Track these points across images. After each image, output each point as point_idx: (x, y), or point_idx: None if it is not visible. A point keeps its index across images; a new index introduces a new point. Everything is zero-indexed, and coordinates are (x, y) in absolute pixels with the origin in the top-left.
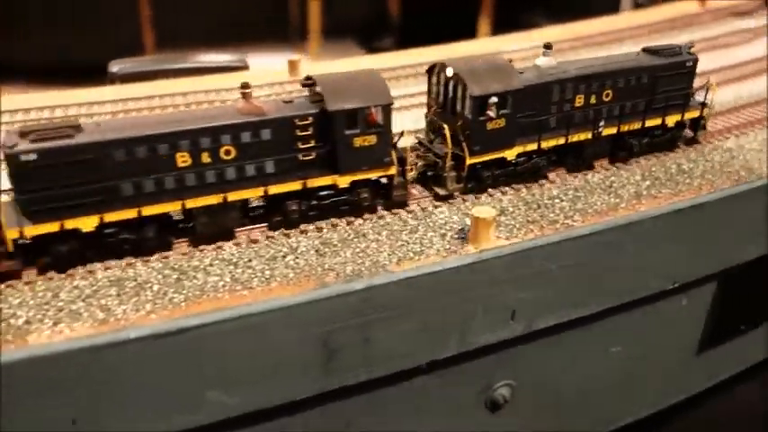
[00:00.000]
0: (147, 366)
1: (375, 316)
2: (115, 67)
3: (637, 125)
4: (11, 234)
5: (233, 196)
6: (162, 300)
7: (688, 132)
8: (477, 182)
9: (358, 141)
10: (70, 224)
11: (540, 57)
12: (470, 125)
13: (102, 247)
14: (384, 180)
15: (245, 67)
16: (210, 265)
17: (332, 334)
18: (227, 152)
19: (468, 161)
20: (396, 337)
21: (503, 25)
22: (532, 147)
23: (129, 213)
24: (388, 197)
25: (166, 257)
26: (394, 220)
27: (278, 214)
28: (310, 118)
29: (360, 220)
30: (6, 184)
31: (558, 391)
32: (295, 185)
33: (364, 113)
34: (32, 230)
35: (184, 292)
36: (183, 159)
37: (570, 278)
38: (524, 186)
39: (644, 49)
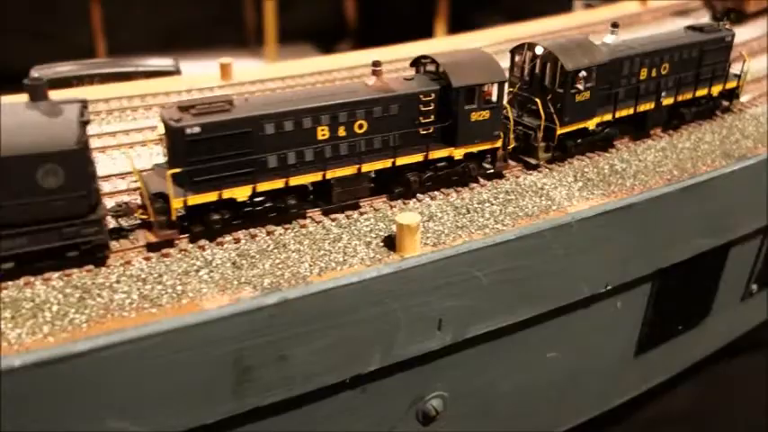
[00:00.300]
0: (35, 396)
1: (291, 331)
2: (36, 72)
3: (689, 95)
4: (176, 203)
5: (366, 167)
6: (62, 321)
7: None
8: (561, 151)
9: (474, 116)
10: (227, 194)
11: (608, 35)
12: (561, 98)
13: (250, 215)
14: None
15: (176, 72)
16: (117, 281)
17: (244, 352)
18: (360, 126)
19: (559, 131)
20: (315, 353)
21: (458, 26)
22: (608, 117)
23: (278, 184)
24: (492, 168)
25: (69, 275)
26: (317, 229)
27: (399, 185)
28: (433, 94)
29: (280, 230)
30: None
31: (493, 399)
32: (418, 157)
33: (482, 90)
34: (195, 200)
35: (87, 311)
36: (322, 133)
37: (498, 285)
38: (454, 191)
39: (687, 27)
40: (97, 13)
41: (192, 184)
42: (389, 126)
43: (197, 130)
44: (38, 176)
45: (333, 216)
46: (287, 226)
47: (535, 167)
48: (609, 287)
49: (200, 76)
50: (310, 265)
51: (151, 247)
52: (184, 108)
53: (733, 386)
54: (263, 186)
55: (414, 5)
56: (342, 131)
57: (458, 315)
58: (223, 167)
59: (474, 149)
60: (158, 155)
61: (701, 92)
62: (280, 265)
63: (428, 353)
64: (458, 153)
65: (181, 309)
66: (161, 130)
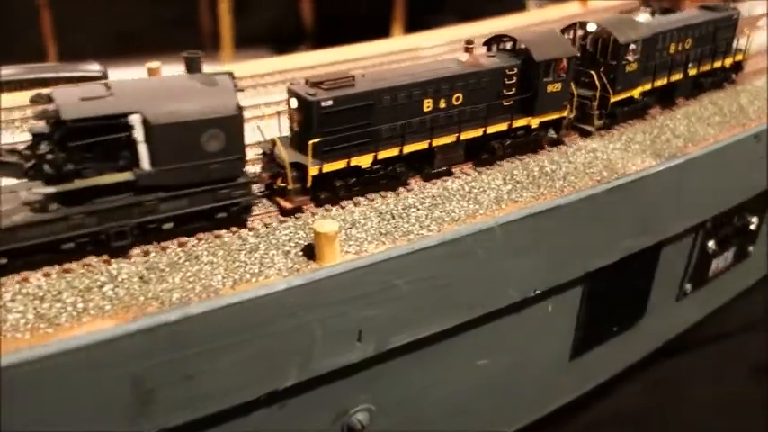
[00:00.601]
0: None
1: (197, 348)
2: None
3: (707, 67)
4: (313, 171)
5: (463, 136)
6: None
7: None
8: (611, 118)
9: (550, 88)
10: (354, 162)
11: (641, 14)
12: (614, 69)
13: (369, 181)
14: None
15: (103, 77)
16: (12, 300)
17: (145, 373)
18: (457, 98)
19: (612, 99)
20: (224, 370)
21: (414, 26)
22: (648, 86)
23: (394, 151)
24: (556, 136)
25: None
26: (232, 239)
27: (485, 152)
28: (515, 68)
29: (193, 241)
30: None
31: (423, 410)
32: (503, 126)
33: (558, 64)
34: (329, 167)
35: None
36: (427, 105)
37: (420, 293)
38: (379, 196)
39: (701, 7)
40: (47, 17)
41: (323, 153)
42: (480, 98)
43: (330, 102)
44: (202, 141)
45: (250, 225)
46: (200, 237)
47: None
48: (538, 291)
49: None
50: (223, 278)
51: (285, 213)
52: (314, 84)
53: (676, 385)
54: (383, 154)
55: (371, 7)
56: (442, 103)
57: (378, 325)
58: (348, 138)
59: (548, 118)
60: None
61: (717, 64)
62: (191, 279)
63: (351, 365)
64: (534, 122)
65: (80, 327)
66: (294, 104)
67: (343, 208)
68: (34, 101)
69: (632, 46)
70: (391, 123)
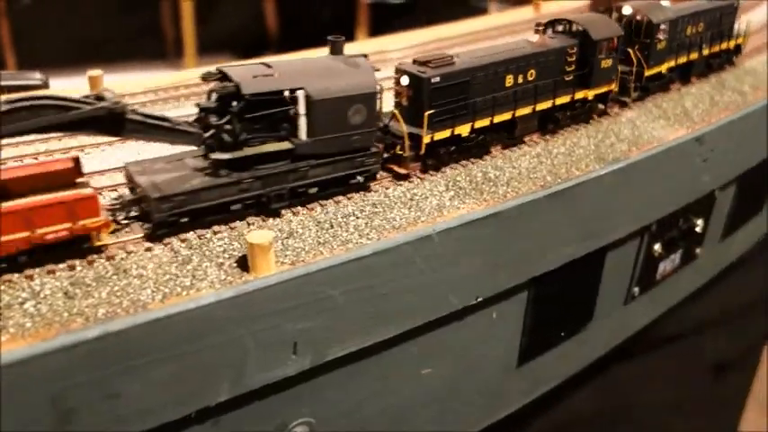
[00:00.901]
0: None
1: (120, 366)
2: None
3: (717, 48)
4: (426, 139)
5: (537, 107)
6: None
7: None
8: (644, 91)
9: (603, 63)
10: (456, 131)
11: (662, 1)
12: (648, 46)
13: (465, 149)
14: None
15: (44, 86)
16: None
17: (65, 391)
18: (531, 74)
19: (646, 73)
20: (151, 388)
21: (378, 30)
22: (672, 63)
23: (486, 122)
24: (605, 107)
25: None
26: (163, 252)
27: (550, 122)
28: (575, 47)
29: (122, 254)
30: None
31: (366, 421)
32: (566, 98)
33: (610, 42)
34: (438, 136)
35: None
36: (509, 80)
37: (357, 303)
38: (318, 204)
39: None
40: (5, 26)
41: (431, 124)
42: (548, 74)
43: (438, 79)
44: (348, 114)
45: (183, 237)
46: (130, 249)
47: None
48: (480, 299)
49: (69, 89)
50: (153, 291)
51: (400, 177)
52: (421, 63)
53: (632, 388)
54: (478, 124)
55: (335, 13)
56: (520, 79)
57: (314, 337)
58: (452, 110)
59: (601, 91)
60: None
61: (723, 46)
62: (118, 293)
63: (288, 378)
64: (590, 94)
65: None
66: (405, 81)
67: (280, 217)
68: (205, 78)
69: (663, 26)
70: (483, 97)
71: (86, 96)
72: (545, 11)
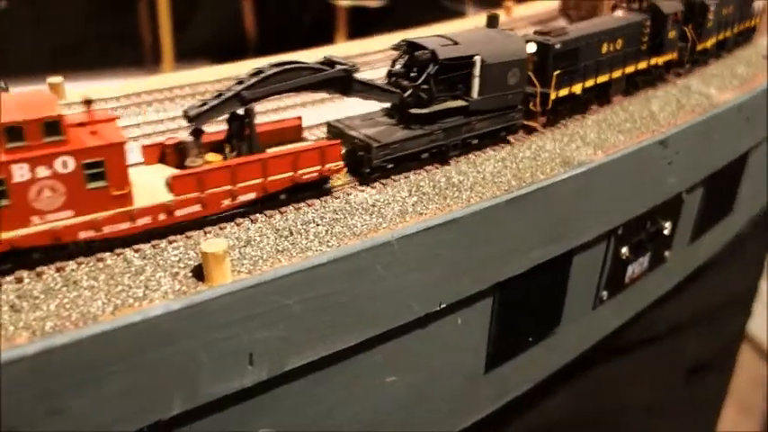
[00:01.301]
0: None
1: (64, 381)
2: None
3: (744, 27)
4: (553, 95)
5: (626, 71)
6: None
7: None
8: (693, 64)
9: (670, 35)
10: (573, 89)
11: None
12: (700, 25)
13: (576, 105)
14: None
15: (4, 89)
16: None
17: (5, 409)
18: (619, 43)
19: (699, 47)
20: (97, 403)
21: (357, 34)
22: (714, 41)
23: (591, 82)
24: (667, 74)
25: None
26: (116, 262)
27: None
28: (649, 21)
29: (72, 265)
30: None
31: (331, 430)
32: (644, 64)
33: (676, 15)
34: (561, 93)
35: None
36: (604, 48)
37: (315, 312)
38: (278, 212)
39: None
40: None
41: (558, 83)
42: (632, 43)
43: (559, 45)
44: (507, 76)
45: (136, 247)
46: (80, 261)
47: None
48: (443, 305)
49: None
50: (104, 303)
51: (531, 131)
52: (543, 33)
53: (608, 391)
54: (587, 84)
55: (313, 18)
56: (612, 47)
57: (271, 348)
58: (568, 72)
59: (668, 58)
60: None
61: (746, 25)
62: (67, 305)
63: (248, 388)
64: (661, 60)
65: None
66: (531, 49)
67: (238, 225)
68: (395, 48)
69: (712, 8)
70: (589, 61)
71: (320, 63)
72: (516, 14)
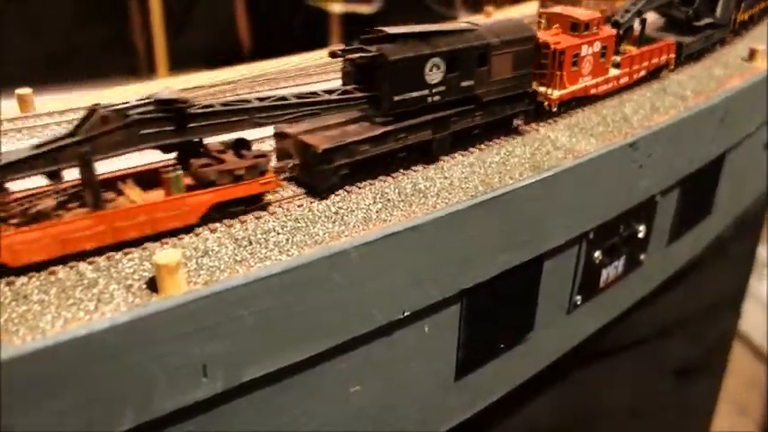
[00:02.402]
0: None
1: (10, 399)
2: None
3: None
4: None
5: None
6: None
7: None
8: (735, 33)
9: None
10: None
11: None
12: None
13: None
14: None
15: None
16: None
17: None
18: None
19: (739, 18)
20: (47, 420)
21: (351, 38)
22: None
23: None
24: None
25: None
26: (68, 275)
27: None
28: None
29: (23, 279)
30: None
31: None
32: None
33: None
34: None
35: None
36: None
37: (270, 323)
38: (238, 221)
39: None
40: None
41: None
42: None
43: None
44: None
45: (90, 259)
46: (32, 274)
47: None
48: (407, 313)
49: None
50: (54, 317)
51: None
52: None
53: (590, 395)
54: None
55: (307, 24)
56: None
57: (225, 359)
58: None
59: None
60: None
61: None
62: (16, 320)
63: (204, 401)
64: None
65: None
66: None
67: (196, 235)
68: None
69: None
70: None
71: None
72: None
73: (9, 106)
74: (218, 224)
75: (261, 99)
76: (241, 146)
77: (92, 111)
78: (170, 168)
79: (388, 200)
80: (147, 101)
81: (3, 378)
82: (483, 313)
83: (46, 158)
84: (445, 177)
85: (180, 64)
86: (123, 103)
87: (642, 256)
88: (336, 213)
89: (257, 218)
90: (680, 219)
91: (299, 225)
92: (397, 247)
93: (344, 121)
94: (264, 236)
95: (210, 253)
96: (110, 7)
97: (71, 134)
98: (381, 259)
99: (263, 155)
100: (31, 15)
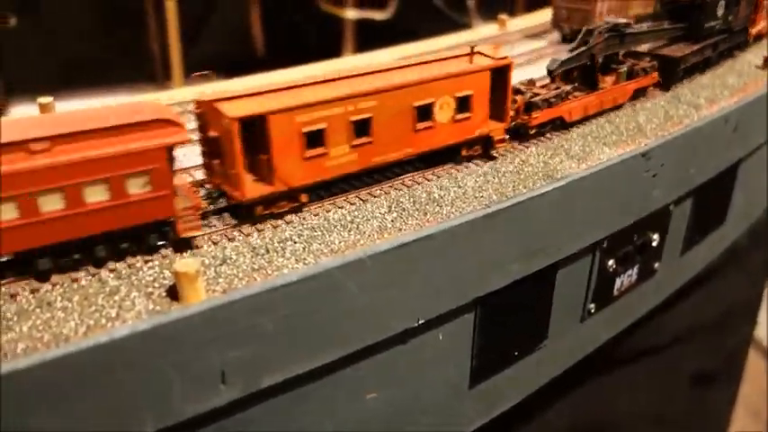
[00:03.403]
0: None
1: (35, 403)
2: None
3: None
4: None
5: None
6: None
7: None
8: None
9: None
10: None
11: None
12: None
13: None
14: None
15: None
16: None
17: None
18: None
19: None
20: (70, 425)
21: (364, 46)
22: None
23: None
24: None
25: None
26: (91, 283)
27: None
28: None
29: (47, 287)
30: None
31: None
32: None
33: None
34: None
35: None
36: None
37: (288, 330)
38: (255, 230)
39: None
40: None
41: None
42: None
43: None
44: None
45: (111, 267)
46: (55, 281)
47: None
48: (422, 321)
49: (24, 116)
50: (77, 324)
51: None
52: None
53: (608, 402)
54: None
55: (321, 31)
56: None
57: (244, 366)
58: None
59: None
60: None
61: None
62: (40, 327)
63: (221, 407)
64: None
65: None
66: None
67: (215, 244)
68: None
69: None
70: None
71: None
72: (510, 28)
73: (31, 114)
74: (235, 233)
75: (648, 26)
76: (636, 56)
77: (591, 30)
78: (621, 67)
79: (403, 209)
80: (606, 25)
81: (29, 383)
82: (497, 321)
83: (579, 56)
84: (459, 187)
85: (195, 71)
86: (596, 26)
87: (656, 265)
88: (352, 222)
89: (274, 226)
90: (694, 227)
91: (315, 234)
92: (412, 257)
93: (668, 42)
94: (282, 244)
95: (229, 261)
96: (126, 15)
97: (585, 43)
98: (397, 268)
99: (652, 65)
100: (51, 24)
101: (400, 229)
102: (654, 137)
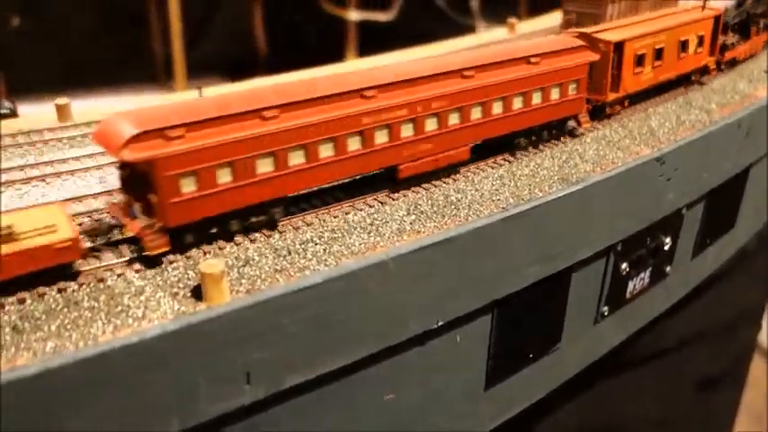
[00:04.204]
0: None
1: (63, 402)
2: None
3: None
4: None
5: None
6: None
7: None
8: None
9: None
10: None
11: None
12: None
13: None
14: None
15: (12, 115)
16: None
17: (5, 429)
18: None
19: None
20: (97, 424)
21: (367, 50)
22: None
23: None
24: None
25: None
26: (116, 283)
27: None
28: None
29: (74, 286)
30: None
31: None
32: None
33: None
34: None
35: None
36: None
37: (311, 331)
38: (277, 231)
39: None
40: None
41: None
42: None
43: None
44: None
45: (137, 267)
46: (82, 281)
47: None
48: (441, 323)
49: (37, 117)
50: (104, 324)
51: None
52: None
53: (615, 404)
54: None
55: (323, 34)
56: None
57: (268, 367)
58: None
59: None
60: None
61: None
62: (68, 326)
63: (245, 407)
64: None
65: None
66: None
67: (237, 245)
68: None
69: None
70: None
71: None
72: (519, 31)
73: (46, 114)
74: (257, 234)
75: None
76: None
77: None
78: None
79: (422, 212)
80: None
81: (58, 382)
82: (513, 324)
83: (741, 13)
84: (476, 189)
85: (197, 72)
86: None
87: (668, 268)
88: (371, 224)
89: (295, 228)
90: (705, 231)
91: (335, 236)
92: (432, 259)
93: None
94: (303, 246)
95: (251, 262)
96: (129, 17)
97: (740, 5)
98: (417, 270)
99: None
100: (54, 25)
101: (419, 232)
102: (667, 141)
